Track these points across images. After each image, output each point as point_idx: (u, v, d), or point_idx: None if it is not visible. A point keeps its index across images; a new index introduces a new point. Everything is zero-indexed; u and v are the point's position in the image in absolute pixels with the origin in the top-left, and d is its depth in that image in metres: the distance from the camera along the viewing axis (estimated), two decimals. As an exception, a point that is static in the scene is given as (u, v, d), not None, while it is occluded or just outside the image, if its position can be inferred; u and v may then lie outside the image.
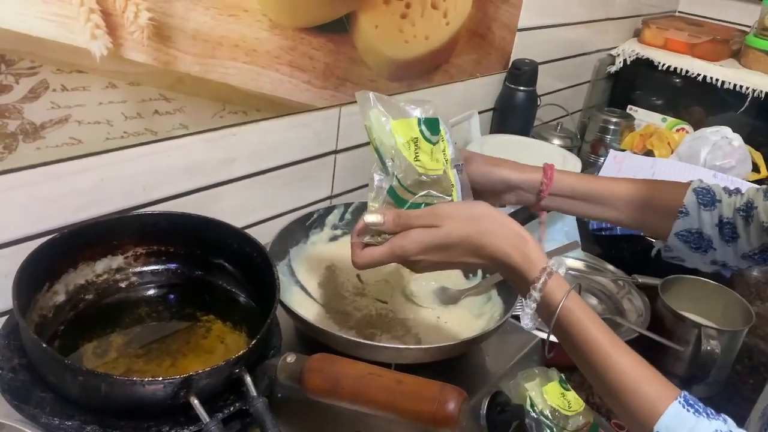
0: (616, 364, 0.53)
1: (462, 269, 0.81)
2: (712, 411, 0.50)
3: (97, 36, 0.66)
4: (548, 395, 0.72)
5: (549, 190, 0.74)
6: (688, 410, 0.50)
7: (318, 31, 0.88)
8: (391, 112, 0.59)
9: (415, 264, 0.59)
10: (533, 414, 0.71)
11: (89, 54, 0.66)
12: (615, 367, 0.53)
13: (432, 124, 0.59)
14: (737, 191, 0.71)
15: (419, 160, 0.57)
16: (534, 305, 0.56)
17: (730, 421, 0.50)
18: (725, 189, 0.72)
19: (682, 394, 0.51)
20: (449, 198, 0.59)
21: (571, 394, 0.74)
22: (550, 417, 0.71)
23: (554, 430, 0.70)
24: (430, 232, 0.57)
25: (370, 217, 0.58)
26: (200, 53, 0.76)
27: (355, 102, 1.00)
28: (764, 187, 0.71)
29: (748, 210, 0.69)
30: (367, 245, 0.59)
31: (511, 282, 0.59)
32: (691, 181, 0.74)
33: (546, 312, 0.56)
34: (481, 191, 0.72)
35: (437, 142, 0.59)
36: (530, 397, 0.71)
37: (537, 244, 0.57)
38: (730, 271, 1.04)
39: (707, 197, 0.71)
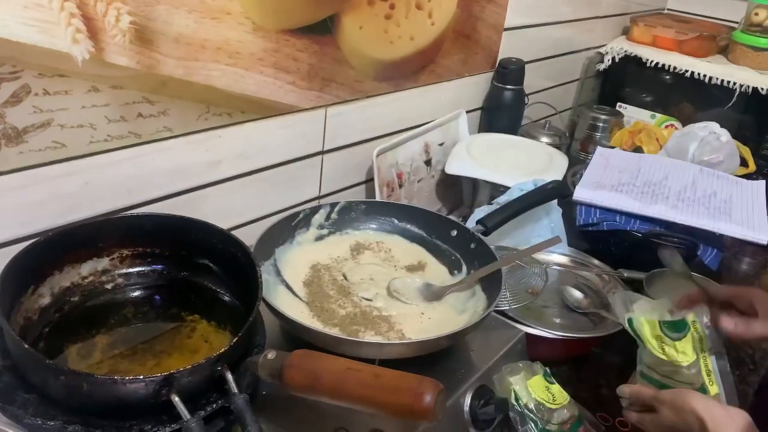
0: None
1: None
2: None
3: (78, 40, 0.67)
4: (533, 389, 0.72)
5: None
6: None
7: (301, 33, 0.88)
8: (645, 310, 0.72)
9: None
10: (517, 407, 0.71)
11: (71, 58, 0.67)
12: None
13: (675, 326, 0.69)
14: None
15: (665, 352, 0.68)
16: None
17: None
18: None
19: None
20: (692, 384, 0.68)
21: (556, 388, 0.74)
22: (534, 410, 0.71)
23: (538, 423, 0.70)
24: (653, 417, 0.66)
25: (622, 389, 0.72)
26: (183, 56, 0.76)
27: (342, 102, 1.02)
28: None
29: None
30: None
31: None
32: None
33: None
34: None
35: (681, 339, 0.69)
36: (515, 391, 0.72)
37: None
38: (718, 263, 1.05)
39: None
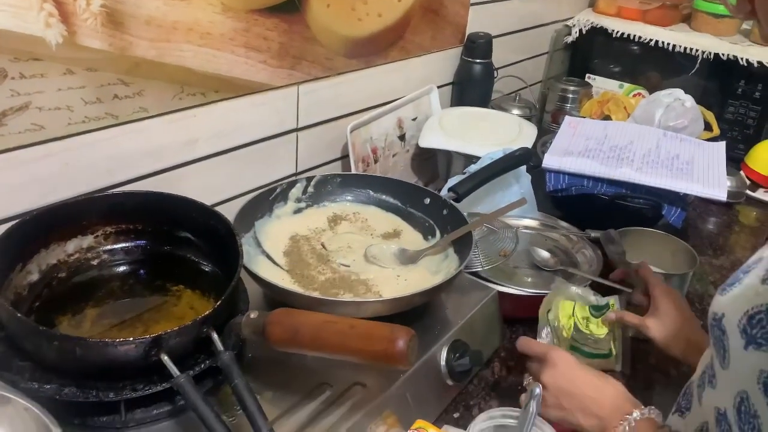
0: None
1: None
2: None
3: (51, 24, 0.68)
4: (577, 313, 0.82)
5: None
6: None
7: (270, 12, 0.90)
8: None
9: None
10: (552, 322, 0.81)
11: (45, 42, 0.68)
12: None
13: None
14: None
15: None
16: None
17: None
18: None
19: None
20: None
21: (595, 324, 0.82)
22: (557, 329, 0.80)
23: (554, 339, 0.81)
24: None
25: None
26: (155, 38, 0.78)
27: (313, 80, 1.04)
28: None
29: None
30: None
31: None
32: None
33: None
34: None
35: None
36: (555, 309, 0.81)
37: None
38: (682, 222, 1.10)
39: None
